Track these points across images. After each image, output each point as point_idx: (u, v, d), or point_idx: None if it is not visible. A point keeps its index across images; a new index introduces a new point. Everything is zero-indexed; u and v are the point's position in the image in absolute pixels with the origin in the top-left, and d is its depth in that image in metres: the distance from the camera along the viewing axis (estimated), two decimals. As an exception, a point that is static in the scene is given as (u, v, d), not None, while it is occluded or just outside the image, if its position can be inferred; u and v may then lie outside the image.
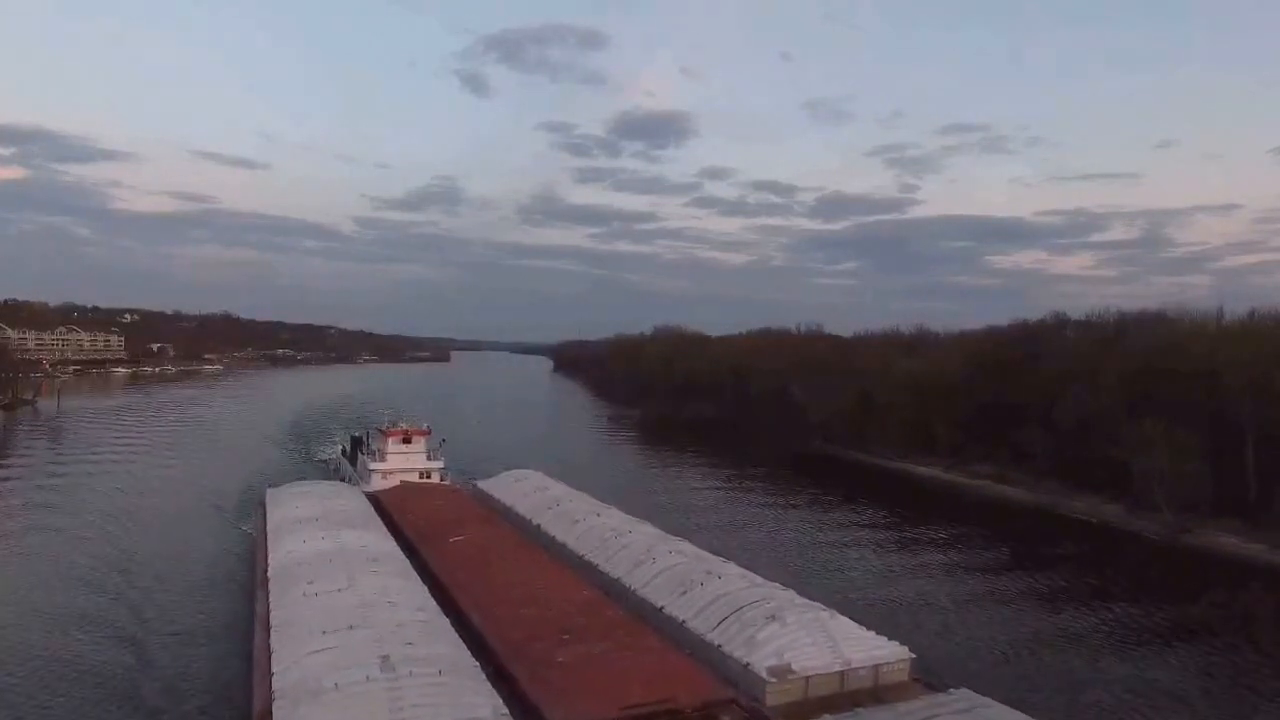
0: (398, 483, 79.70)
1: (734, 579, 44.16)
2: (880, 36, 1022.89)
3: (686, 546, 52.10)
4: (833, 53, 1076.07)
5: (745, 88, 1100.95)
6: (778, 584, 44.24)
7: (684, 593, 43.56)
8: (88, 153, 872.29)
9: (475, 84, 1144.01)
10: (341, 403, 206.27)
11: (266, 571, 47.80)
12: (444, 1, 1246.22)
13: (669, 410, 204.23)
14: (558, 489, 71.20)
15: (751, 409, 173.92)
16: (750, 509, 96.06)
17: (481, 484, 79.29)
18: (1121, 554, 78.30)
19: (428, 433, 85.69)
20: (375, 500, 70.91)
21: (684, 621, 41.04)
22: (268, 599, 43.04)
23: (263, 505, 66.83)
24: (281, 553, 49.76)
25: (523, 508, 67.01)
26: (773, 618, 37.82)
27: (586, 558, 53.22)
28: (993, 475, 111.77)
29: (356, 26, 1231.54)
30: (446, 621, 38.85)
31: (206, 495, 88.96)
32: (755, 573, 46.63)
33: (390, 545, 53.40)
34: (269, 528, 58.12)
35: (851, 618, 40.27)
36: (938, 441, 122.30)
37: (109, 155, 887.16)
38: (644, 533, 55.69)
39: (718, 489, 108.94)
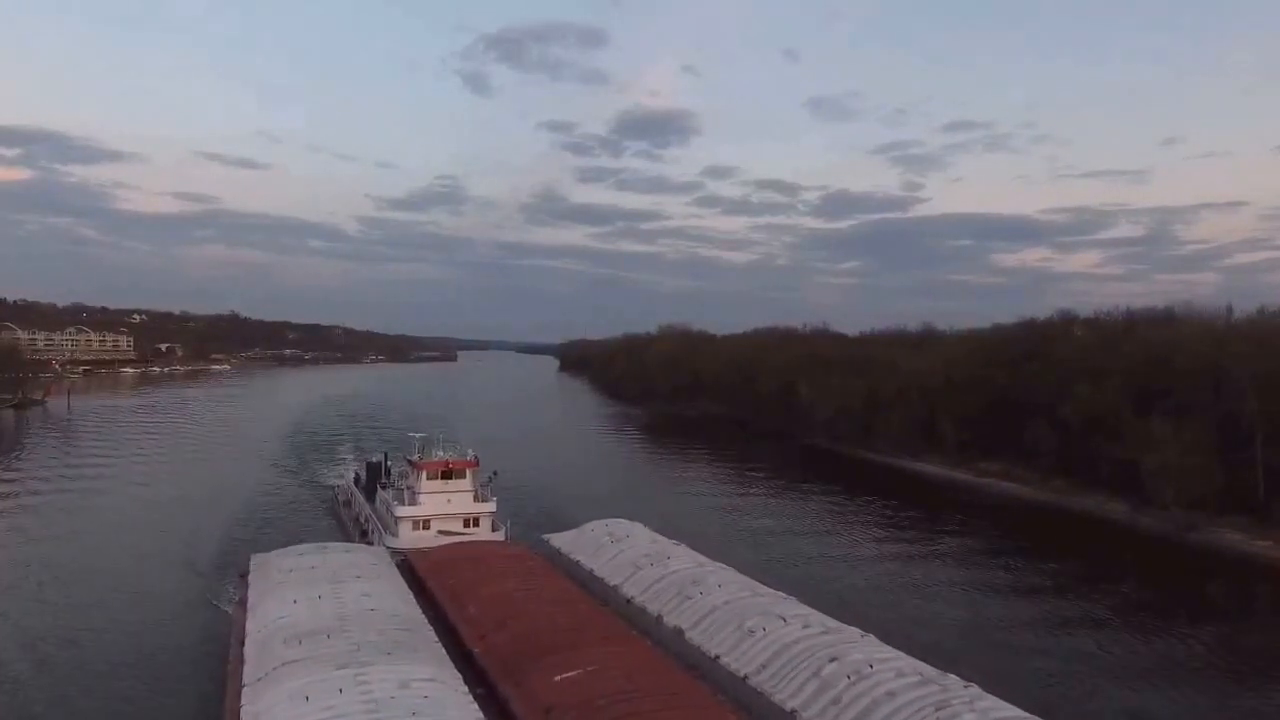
0: (435, 536, 59.51)
1: None
2: (883, 34, 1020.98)
3: (961, 687, 30.41)
4: (836, 50, 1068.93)
5: (748, 86, 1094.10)
6: None
7: None
8: (91, 154, 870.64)
9: (476, 83, 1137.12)
10: (353, 405, 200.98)
11: None
12: (444, 1, 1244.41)
13: (675, 409, 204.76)
14: (681, 557, 49.09)
15: (758, 407, 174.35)
16: (762, 504, 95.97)
17: (556, 541, 57.31)
18: (1127, 550, 78.12)
19: (475, 464, 64.86)
20: (409, 571, 50.16)
21: None
22: None
23: (245, 580, 46.24)
24: (263, 706, 29.34)
25: (638, 591, 45.21)
26: None
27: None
28: (999, 473, 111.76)
29: (357, 27, 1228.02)
30: None
31: (186, 536, 69.55)
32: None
33: (462, 701, 29.96)
34: (249, 641, 36.53)
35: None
36: (944, 439, 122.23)
37: (113, 156, 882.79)
38: (881, 658, 32.94)
39: (727, 487, 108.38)
